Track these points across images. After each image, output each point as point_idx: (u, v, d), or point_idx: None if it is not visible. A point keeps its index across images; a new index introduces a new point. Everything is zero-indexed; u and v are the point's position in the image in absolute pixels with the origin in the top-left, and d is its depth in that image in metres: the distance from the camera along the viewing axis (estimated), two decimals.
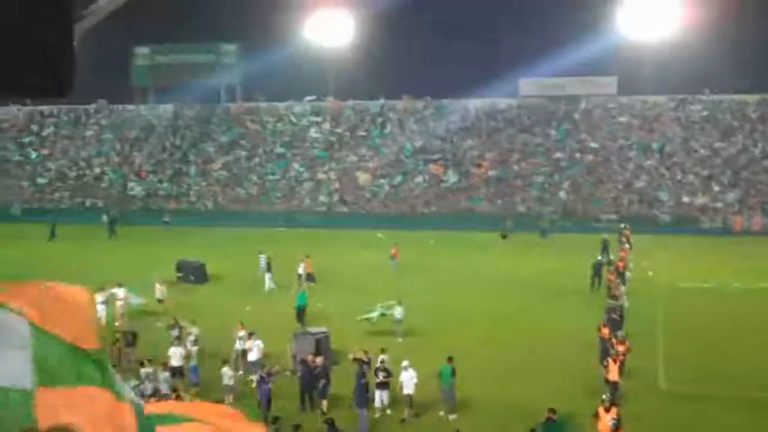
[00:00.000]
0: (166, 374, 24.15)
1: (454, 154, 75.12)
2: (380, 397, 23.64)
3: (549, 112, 77.51)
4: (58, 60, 2.32)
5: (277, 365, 25.13)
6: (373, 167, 74.81)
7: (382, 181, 73.22)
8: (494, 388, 25.60)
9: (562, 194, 69.04)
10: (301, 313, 33.02)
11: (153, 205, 74.38)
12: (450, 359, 24.26)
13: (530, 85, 79.20)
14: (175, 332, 28.14)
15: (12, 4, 2.11)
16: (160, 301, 35.36)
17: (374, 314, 32.43)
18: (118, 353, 27.38)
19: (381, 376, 23.62)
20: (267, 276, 41.12)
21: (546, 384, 25.67)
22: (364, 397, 23.01)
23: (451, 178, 72.47)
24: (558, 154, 73.14)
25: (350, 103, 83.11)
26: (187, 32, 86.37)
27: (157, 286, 35.88)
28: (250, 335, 27.18)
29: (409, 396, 23.44)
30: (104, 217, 64.63)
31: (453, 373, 23.90)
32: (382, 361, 24.15)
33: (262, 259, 42.79)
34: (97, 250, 52.86)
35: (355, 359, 24.48)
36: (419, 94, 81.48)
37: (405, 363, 23.79)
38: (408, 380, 23.41)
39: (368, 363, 24.10)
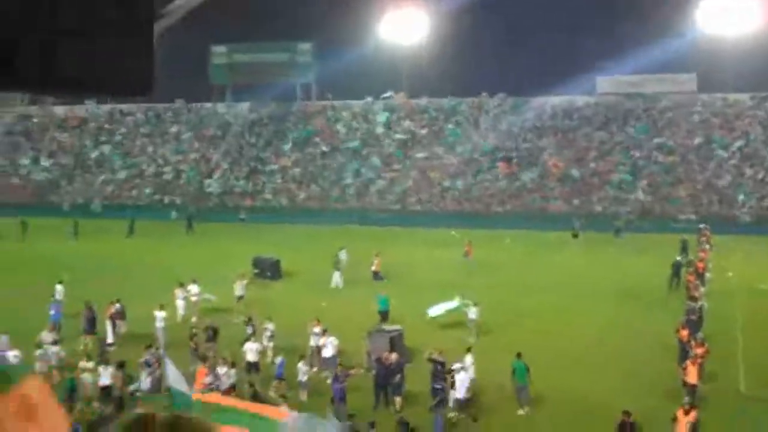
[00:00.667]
0: (232, 371, 24.21)
1: (530, 152, 74.50)
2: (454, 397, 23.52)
3: (627, 109, 76.37)
4: (138, 59, 2.34)
5: (354, 366, 25.12)
6: (447, 165, 74.69)
7: (456, 179, 73.04)
8: (567, 385, 25.30)
9: (639, 193, 67.93)
10: (384, 316, 32.79)
11: (229, 202, 75.45)
12: (519, 355, 24.18)
13: (608, 82, 78.22)
14: (249, 329, 28.46)
15: (95, 4, 2.14)
16: (239, 297, 35.68)
17: (451, 306, 32.26)
18: (195, 348, 27.77)
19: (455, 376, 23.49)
20: (336, 273, 41.38)
21: (620, 384, 25.28)
22: (439, 397, 22.97)
23: (526, 176, 71.88)
24: (635, 153, 71.98)
25: (424, 100, 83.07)
26: (263, 31, 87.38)
27: (237, 282, 36.28)
28: (325, 332, 27.39)
29: (458, 400, 23.20)
30: (173, 213, 65.99)
31: (526, 369, 23.81)
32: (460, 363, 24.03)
33: (342, 255, 43.22)
34: (174, 246, 53.84)
35: (431, 359, 24.41)
36: (494, 92, 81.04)
37: (458, 365, 23.59)
38: (460, 383, 23.22)
39: (443, 363, 24.00)
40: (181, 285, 34.15)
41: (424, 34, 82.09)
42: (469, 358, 24.25)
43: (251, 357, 25.97)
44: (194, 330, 29.13)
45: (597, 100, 77.96)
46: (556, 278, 41.90)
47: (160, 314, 30.41)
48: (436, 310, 32.51)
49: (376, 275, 41.98)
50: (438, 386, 23.21)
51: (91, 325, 30.61)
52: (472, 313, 31.50)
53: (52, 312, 31.66)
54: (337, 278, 41.10)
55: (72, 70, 2.17)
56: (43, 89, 2.30)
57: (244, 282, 36.65)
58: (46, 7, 2.13)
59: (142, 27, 2.27)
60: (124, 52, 2.27)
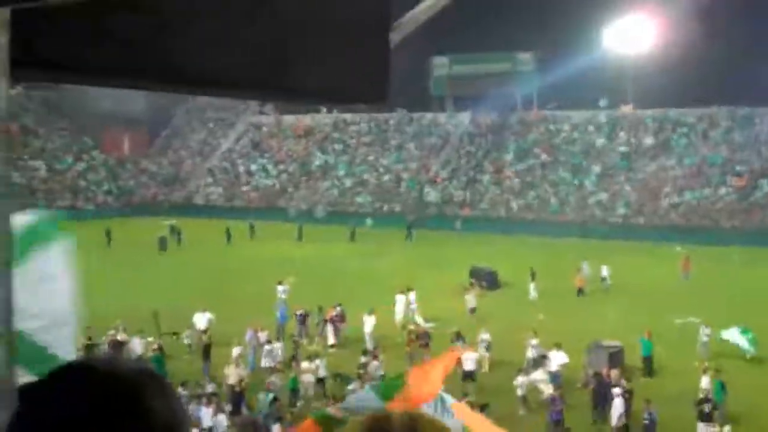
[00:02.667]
0: None
1: (763, 165, 70.34)
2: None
3: None
4: (375, 68, 2.35)
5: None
6: (673, 177, 71.88)
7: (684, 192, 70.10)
8: None
9: None
10: (646, 362, 28.76)
11: (447, 211, 76.06)
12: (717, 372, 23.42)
13: None
14: (459, 343, 28.43)
15: (339, 15, 2.17)
16: (472, 310, 35.72)
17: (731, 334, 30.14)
18: (412, 355, 28.16)
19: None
20: (531, 285, 40.75)
21: None
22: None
23: (761, 191, 67.86)
24: None
25: (649, 111, 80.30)
26: (484, 42, 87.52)
27: (467, 294, 36.47)
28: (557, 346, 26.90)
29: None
30: (368, 221, 67.93)
31: (723, 387, 23.10)
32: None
33: (585, 267, 42.64)
34: (393, 254, 54.70)
35: None
36: (725, 102, 77.06)
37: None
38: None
39: None
40: (401, 291, 34.77)
41: (652, 43, 79.46)
42: None
43: (468, 366, 25.94)
44: (411, 335, 29.56)
45: None
46: None
47: (369, 319, 31.15)
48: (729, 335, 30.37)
49: (579, 291, 41.03)
50: None
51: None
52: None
53: (278, 312, 33.08)
54: (532, 291, 40.55)
55: (312, 80, 2.21)
56: (289, 99, 2.39)
57: (473, 294, 36.77)
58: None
59: (379, 37, 2.29)
60: (362, 62, 2.28)
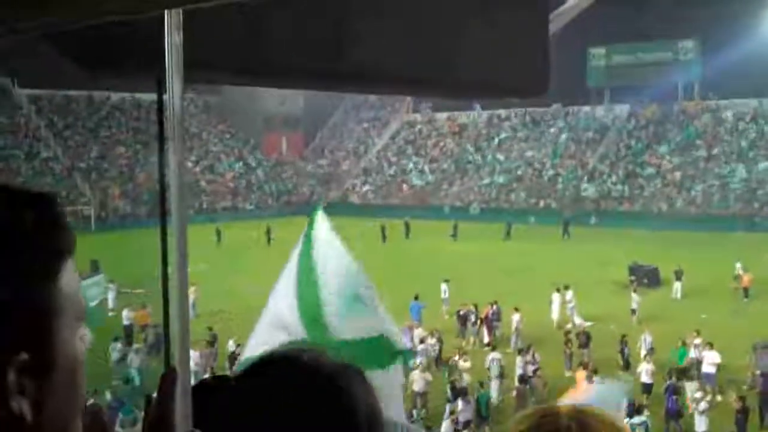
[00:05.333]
0: None
1: None
2: None
3: None
4: (536, 61, 2.29)
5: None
6: None
7: None
8: None
9: None
10: None
11: (606, 206, 74.38)
12: None
13: None
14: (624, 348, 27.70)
15: (496, 8, 2.13)
16: (633, 311, 34.58)
17: None
18: (570, 355, 27.73)
19: None
20: (677, 284, 39.02)
21: None
22: None
23: None
24: None
25: None
26: (642, 30, 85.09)
27: (633, 294, 35.50)
28: (710, 345, 25.84)
29: None
30: (531, 219, 67.05)
31: None
32: None
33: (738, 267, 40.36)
34: (549, 250, 53.85)
35: None
36: None
37: None
38: None
39: None
40: (558, 290, 34.24)
41: None
42: None
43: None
44: (568, 335, 29.07)
45: None
46: None
47: (515, 317, 30.87)
48: None
49: (744, 291, 38.81)
50: None
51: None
52: None
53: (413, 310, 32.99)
54: (677, 289, 38.86)
55: (472, 75, 2.16)
56: (448, 95, 2.38)
57: (637, 293, 35.78)
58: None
59: (540, 28, 2.22)
60: (522, 55, 2.21)
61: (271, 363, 1.54)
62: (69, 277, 1.03)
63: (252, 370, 1.54)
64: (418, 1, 2.04)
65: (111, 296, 36.58)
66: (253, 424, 1.43)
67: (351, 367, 1.53)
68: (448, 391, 24.14)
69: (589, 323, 32.08)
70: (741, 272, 39.48)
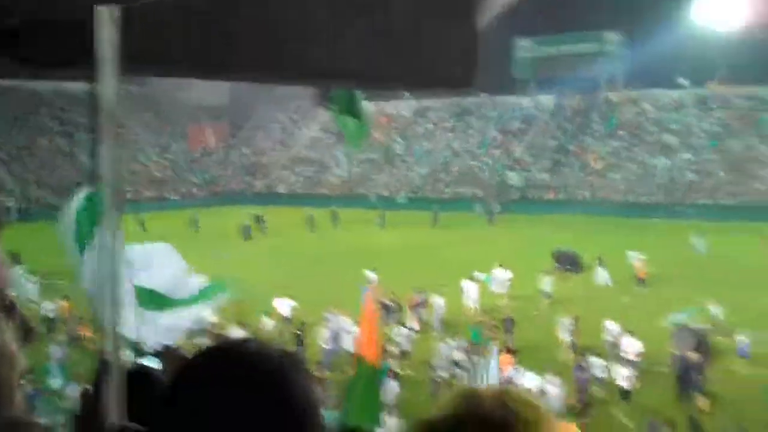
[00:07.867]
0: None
1: None
2: None
3: None
4: (464, 53, 2.31)
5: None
6: (762, 156, 69.89)
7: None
8: None
9: None
10: None
11: (531, 195, 75.32)
12: None
13: None
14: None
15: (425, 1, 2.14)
16: (548, 295, 35.01)
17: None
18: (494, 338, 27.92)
19: None
20: (599, 269, 39.39)
21: None
22: None
23: None
24: None
25: (740, 89, 77.97)
26: (567, 22, 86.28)
27: (545, 277, 35.84)
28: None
29: None
30: (477, 207, 67.51)
31: None
32: None
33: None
34: (474, 238, 54.33)
35: None
36: None
37: None
38: None
39: None
40: (471, 278, 34.28)
41: (743, 18, 77.08)
42: None
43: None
44: (493, 321, 29.21)
45: None
46: None
47: (439, 301, 31.12)
48: None
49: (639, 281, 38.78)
50: None
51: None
52: None
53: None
54: (602, 274, 39.15)
55: (399, 66, 2.18)
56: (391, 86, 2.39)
57: (552, 277, 36.20)
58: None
59: (468, 19, 2.24)
60: (449, 47, 2.23)
61: (209, 355, 1.58)
62: None
63: (192, 362, 1.56)
64: None
65: (31, 288, 35.65)
66: (191, 419, 1.47)
67: (289, 356, 1.58)
68: None
69: (509, 308, 32.19)
70: (636, 261, 39.84)
